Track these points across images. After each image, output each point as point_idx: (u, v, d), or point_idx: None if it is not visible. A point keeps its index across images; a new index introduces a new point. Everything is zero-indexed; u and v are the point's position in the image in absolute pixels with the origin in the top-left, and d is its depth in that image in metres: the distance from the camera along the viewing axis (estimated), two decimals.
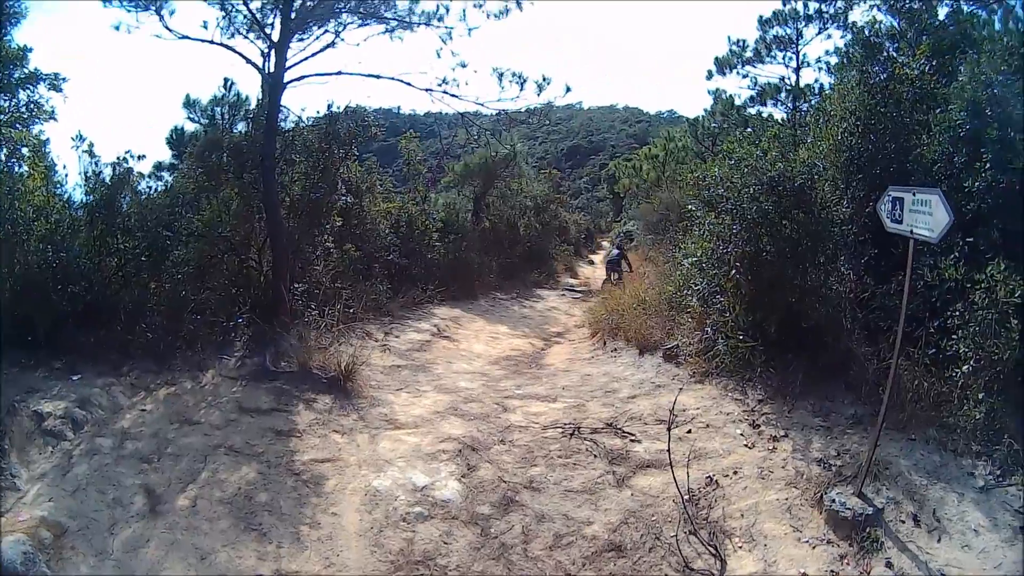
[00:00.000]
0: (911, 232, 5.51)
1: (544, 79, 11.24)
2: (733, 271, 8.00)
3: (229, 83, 11.95)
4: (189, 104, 12.36)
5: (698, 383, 8.52)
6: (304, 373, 8.65)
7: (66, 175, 9.80)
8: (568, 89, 11.81)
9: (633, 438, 7.44)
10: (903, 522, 5.34)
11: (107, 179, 9.47)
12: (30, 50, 10.66)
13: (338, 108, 11.63)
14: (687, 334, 9.50)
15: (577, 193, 74.64)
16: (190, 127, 13.23)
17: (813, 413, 7.12)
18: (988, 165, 6.56)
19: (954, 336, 6.08)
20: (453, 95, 11.01)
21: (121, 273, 8.93)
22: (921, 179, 7.05)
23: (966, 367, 5.92)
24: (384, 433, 7.70)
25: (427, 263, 16.55)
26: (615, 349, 11.28)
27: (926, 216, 5.29)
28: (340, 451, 7.21)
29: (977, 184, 6.58)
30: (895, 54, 8.17)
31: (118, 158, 9.76)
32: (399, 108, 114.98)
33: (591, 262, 34.61)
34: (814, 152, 8.15)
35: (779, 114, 21.45)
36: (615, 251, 19.83)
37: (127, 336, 8.27)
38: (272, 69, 9.80)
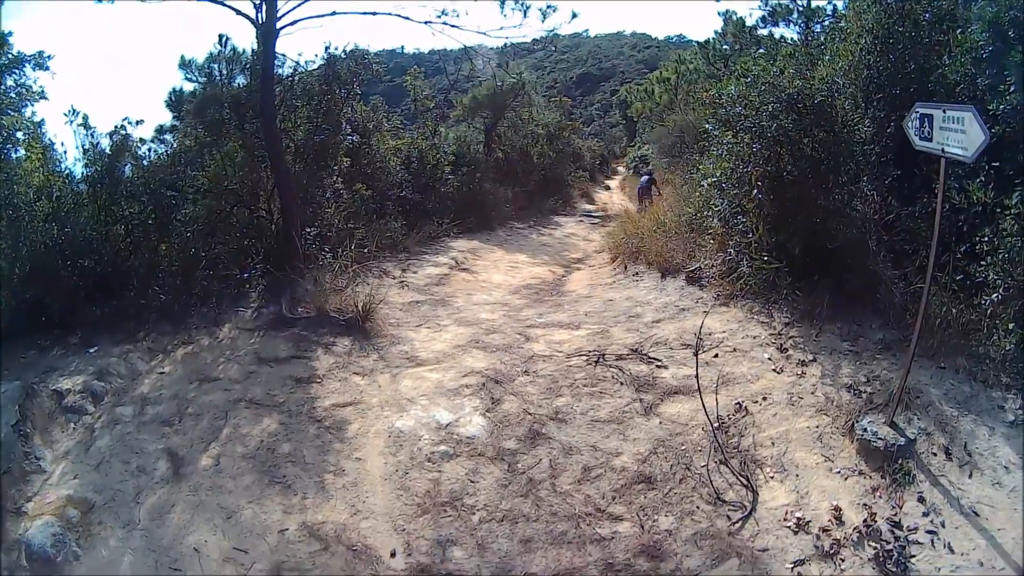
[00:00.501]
0: (942, 151, 5.18)
1: (548, 6, 10.89)
2: (755, 191, 7.77)
3: (224, 39, 11.61)
4: (185, 64, 12.05)
5: (723, 305, 8.35)
6: (321, 317, 8.56)
7: (64, 152, 9.74)
8: (574, 15, 11.42)
9: (659, 364, 7.29)
10: (935, 455, 5.25)
11: (106, 149, 9.40)
12: (10, 34, 10.47)
13: (336, 50, 11.39)
14: (709, 256, 9.32)
15: (589, 120, 73.96)
16: (189, 87, 13.01)
17: (841, 337, 6.96)
18: (1012, 88, 6.28)
19: (983, 262, 5.91)
20: (454, 26, 10.66)
21: (130, 239, 8.89)
22: (943, 99, 6.72)
23: (995, 295, 5.78)
24: (405, 371, 7.59)
25: (441, 197, 16.41)
26: (636, 273, 11.09)
27: (958, 134, 4.97)
28: (361, 393, 7.13)
29: (1002, 107, 6.29)
30: None
31: (116, 126, 9.72)
32: (403, 48, 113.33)
33: (607, 187, 34.37)
34: (833, 69, 7.88)
35: (791, 35, 20.95)
36: (644, 178, 19.53)
37: (141, 301, 8.25)
38: (264, 18, 9.50)
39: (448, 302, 10.44)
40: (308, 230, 10.20)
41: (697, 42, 27.13)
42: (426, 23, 10.52)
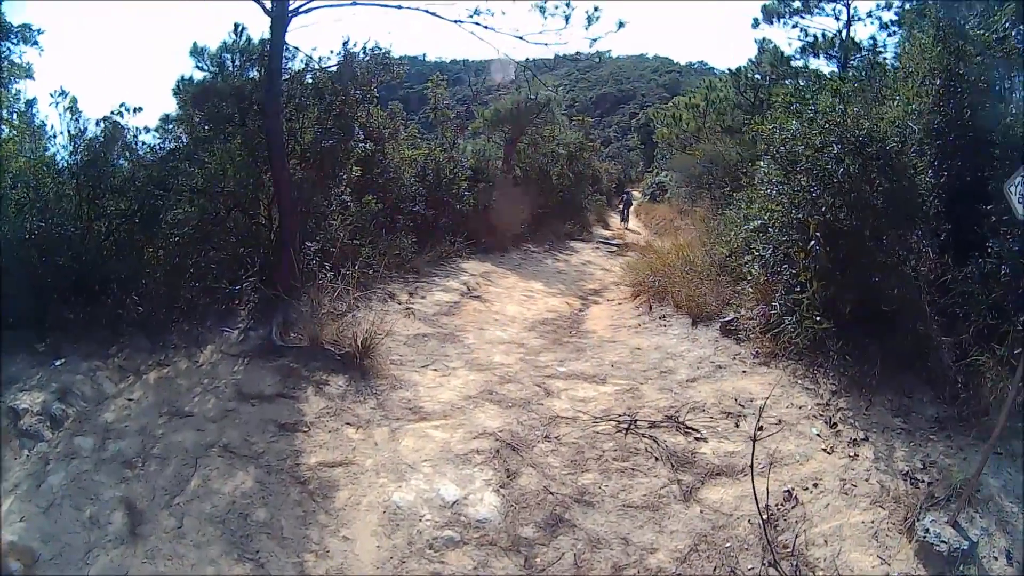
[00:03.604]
0: None
1: (595, 9, 9.99)
2: (812, 242, 6.96)
3: (240, 28, 10.87)
4: (197, 52, 11.31)
5: (763, 365, 7.59)
6: (315, 348, 7.66)
7: (54, 137, 8.91)
8: (621, 24, 10.51)
9: (698, 435, 6.42)
10: (996, 559, 4.61)
11: (99, 136, 8.61)
12: None
13: (355, 46, 10.59)
14: (747, 305, 8.56)
15: (607, 141, 74.40)
16: (199, 75, 12.33)
17: (892, 412, 6.22)
18: None
19: None
20: (487, 27, 9.72)
21: (112, 238, 8.06)
22: (1004, 150, 6.12)
23: None
24: (407, 426, 6.68)
25: (455, 214, 15.79)
26: (663, 316, 10.26)
27: None
28: (354, 451, 6.21)
29: None
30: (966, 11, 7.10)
31: (112, 112, 8.87)
32: (424, 55, 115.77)
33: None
34: (904, 111, 7.12)
35: (828, 68, 20.63)
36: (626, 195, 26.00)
37: (118, 310, 7.47)
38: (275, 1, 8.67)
39: (458, 337, 9.58)
40: (308, 244, 9.31)
41: (729, 70, 26.98)
42: (456, 22, 9.62)
